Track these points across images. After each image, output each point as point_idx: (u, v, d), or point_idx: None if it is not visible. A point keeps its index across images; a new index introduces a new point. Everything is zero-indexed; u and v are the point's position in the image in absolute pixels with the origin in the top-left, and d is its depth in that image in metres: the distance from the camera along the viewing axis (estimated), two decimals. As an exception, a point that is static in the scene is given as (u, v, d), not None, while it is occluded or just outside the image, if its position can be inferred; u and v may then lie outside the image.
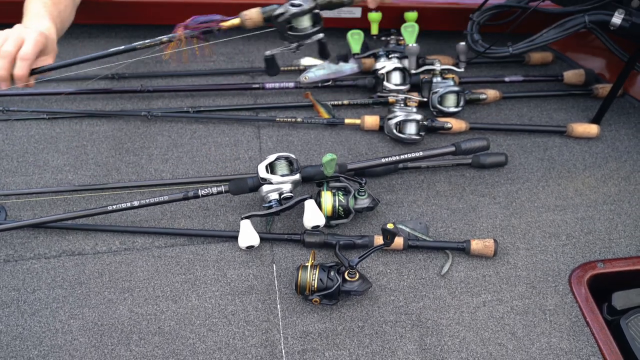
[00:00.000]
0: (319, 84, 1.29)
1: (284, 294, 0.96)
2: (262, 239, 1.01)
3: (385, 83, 1.24)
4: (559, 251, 1.05)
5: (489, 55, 1.21)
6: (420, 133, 1.20)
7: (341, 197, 1.01)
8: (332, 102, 1.29)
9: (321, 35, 1.01)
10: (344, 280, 0.91)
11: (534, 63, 1.43)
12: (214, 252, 1.02)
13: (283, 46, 1.01)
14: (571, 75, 1.37)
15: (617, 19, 1.09)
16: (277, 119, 1.24)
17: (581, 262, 1.02)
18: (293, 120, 1.23)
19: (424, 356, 0.90)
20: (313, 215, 0.97)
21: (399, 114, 1.20)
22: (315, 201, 1.00)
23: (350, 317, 0.94)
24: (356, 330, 0.92)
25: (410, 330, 0.92)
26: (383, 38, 1.36)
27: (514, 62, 1.44)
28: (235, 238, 1.00)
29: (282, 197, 0.98)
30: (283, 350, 0.90)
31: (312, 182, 1.04)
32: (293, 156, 1.01)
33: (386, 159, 1.03)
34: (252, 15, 0.96)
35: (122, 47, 0.97)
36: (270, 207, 0.98)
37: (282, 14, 0.95)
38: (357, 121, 1.23)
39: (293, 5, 0.94)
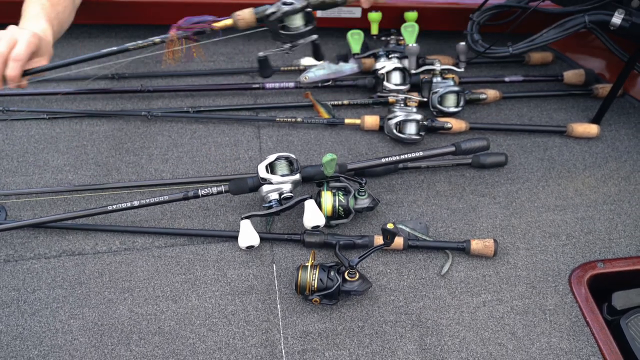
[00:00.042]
0: (319, 84, 1.29)
1: (284, 294, 0.96)
2: (262, 239, 1.01)
3: (385, 83, 1.24)
4: (559, 251, 1.05)
5: (489, 55, 1.21)
6: (420, 133, 1.20)
7: (341, 197, 1.01)
8: (332, 102, 1.29)
9: (315, 36, 1.01)
10: (344, 280, 0.91)
11: (534, 63, 1.43)
12: (214, 252, 1.02)
13: (276, 47, 1.02)
14: (571, 75, 1.37)
15: (617, 19, 1.09)
16: (277, 119, 1.24)
17: (581, 262, 1.03)
18: (293, 120, 1.23)
19: (424, 356, 0.90)
20: (313, 215, 0.97)
21: (399, 114, 1.20)
22: (315, 201, 1.00)
23: (350, 317, 0.94)
24: (356, 330, 0.92)
25: (410, 330, 0.92)
26: (383, 38, 1.36)
27: (514, 62, 1.44)
28: (235, 238, 1.00)
29: (282, 197, 0.98)
30: (283, 350, 0.90)
31: (312, 182, 1.04)
32: (293, 156, 1.01)
33: (386, 159, 1.03)
34: (245, 15, 0.96)
35: (115, 47, 0.97)
36: (270, 207, 0.98)
37: (274, 12, 0.95)
38: (357, 121, 1.23)
39: (285, 3, 0.95)
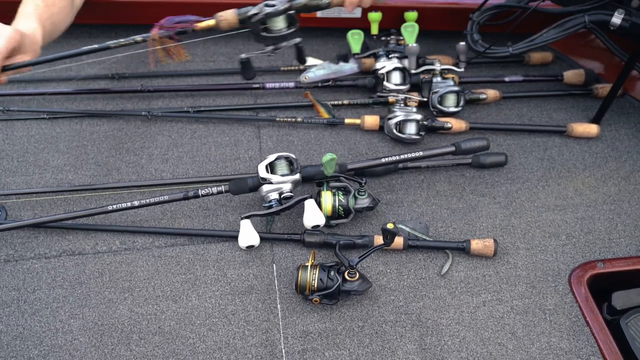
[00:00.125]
0: (319, 84, 1.29)
1: (284, 293, 0.96)
2: (262, 238, 1.01)
3: (385, 83, 1.24)
4: (558, 251, 1.05)
5: (489, 55, 1.21)
6: (420, 133, 1.20)
7: (341, 197, 1.01)
8: (332, 102, 1.29)
9: (298, 39, 1.01)
10: (344, 280, 0.91)
11: (534, 63, 1.43)
12: (214, 252, 1.02)
13: (259, 49, 1.02)
14: (571, 75, 1.37)
15: (617, 19, 1.09)
16: (277, 119, 1.24)
17: (581, 262, 1.03)
18: (293, 120, 1.23)
19: (424, 356, 0.90)
20: (313, 215, 0.97)
21: (399, 114, 1.20)
22: (315, 201, 1.00)
23: (350, 317, 0.94)
24: (356, 330, 0.92)
25: (410, 330, 0.93)
26: (383, 38, 1.36)
27: (514, 62, 1.44)
28: (235, 238, 1.00)
29: (282, 196, 0.98)
30: (283, 350, 0.90)
31: (312, 181, 1.04)
32: (293, 156, 1.01)
33: (386, 159, 1.03)
34: (228, 16, 0.96)
35: (96, 45, 0.97)
36: (270, 206, 0.98)
37: (256, 14, 0.95)
38: (357, 121, 1.23)
39: (267, 5, 0.95)
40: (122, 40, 0.96)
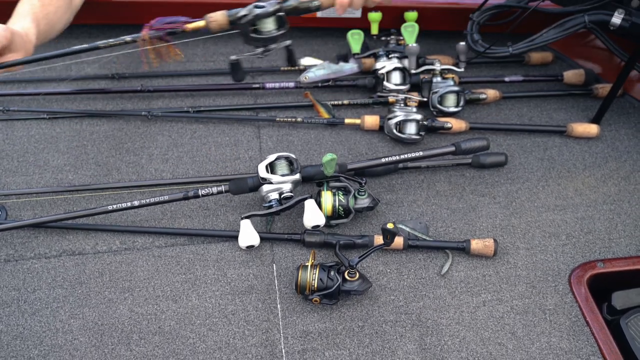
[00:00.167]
0: (319, 84, 1.29)
1: (284, 293, 0.96)
2: (262, 238, 1.01)
3: (385, 83, 1.24)
4: (558, 251, 1.05)
5: (489, 55, 1.21)
6: (420, 133, 1.20)
7: (341, 197, 1.01)
8: (332, 102, 1.29)
9: (288, 42, 1.01)
10: (344, 279, 0.91)
11: (534, 63, 1.43)
12: (214, 252, 1.02)
13: (249, 51, 1.01)
14: (571, 75, 1.37)
15: (617, 19, 1.10)
16: (277, 119, 1.24)
17: (581, 262, 1.03)
18: (293, 120, 1.23)
19: (424, 356, 0.90)
20: (313, 215, 0.97)
21: (399, 114, 1.20)
22: (315, 201, 1.00)
23: (350, 317, 0.94)
24: (356, 329, 0.92)
25: (410, 330, 0.93)
26: (383, 38, 1.36)
27: (514, 62, 1.45)
28: (236, 238, 1.00)
29: (282, 196, 0.98)
30: (283, 350, 0.90)
31: (312, 182, 1.04)
32: (293, 156, 1.01)
33: (386, 159, 1.03)
34: (218, 17, 0.96)
35: (86, 45, 0.96)
36: (270, 206, 0.98)
37: (245, 15, 0.95)
38: (357, 121, 1.23)
39: (257, 7, 0.94)
40: (111, 40, 0.95)
